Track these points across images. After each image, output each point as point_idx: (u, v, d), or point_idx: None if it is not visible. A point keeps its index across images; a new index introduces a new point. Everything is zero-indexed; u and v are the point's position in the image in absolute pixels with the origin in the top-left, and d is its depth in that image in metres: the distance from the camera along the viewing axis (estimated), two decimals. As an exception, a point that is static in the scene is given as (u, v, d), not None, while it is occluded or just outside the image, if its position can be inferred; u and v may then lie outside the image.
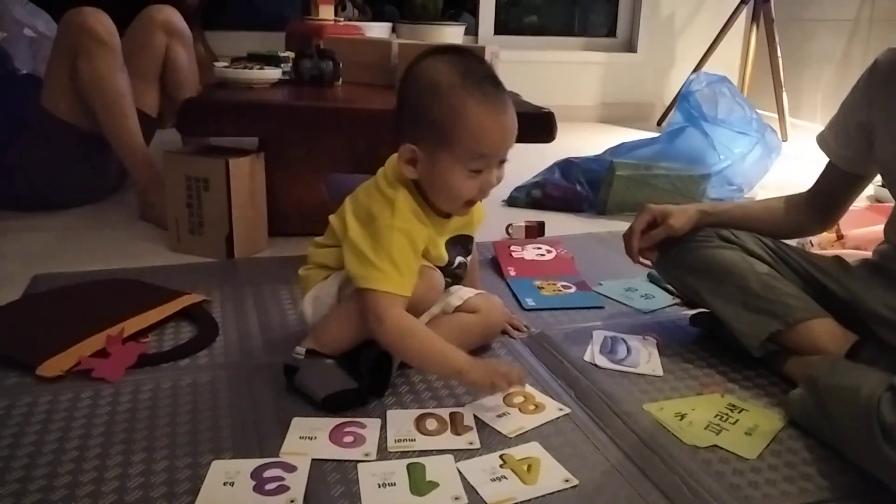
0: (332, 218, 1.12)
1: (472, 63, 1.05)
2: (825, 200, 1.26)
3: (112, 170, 2.04)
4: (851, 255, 1.44)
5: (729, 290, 1.18)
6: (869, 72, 1.14)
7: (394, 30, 3.47)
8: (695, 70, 3.37)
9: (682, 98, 2.38)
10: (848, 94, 1.19)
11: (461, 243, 1.16)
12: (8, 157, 1.88)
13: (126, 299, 1.31)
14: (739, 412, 1.05)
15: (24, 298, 1.36)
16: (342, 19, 3.04)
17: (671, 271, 1.30)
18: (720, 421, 1.03)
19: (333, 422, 0.98)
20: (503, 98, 1.04)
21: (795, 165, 2.76)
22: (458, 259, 1.15)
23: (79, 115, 1.86)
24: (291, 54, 2.08)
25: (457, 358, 1.01)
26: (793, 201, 1.28)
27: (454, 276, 1.17)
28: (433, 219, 1.09)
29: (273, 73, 1.90)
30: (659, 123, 3.64)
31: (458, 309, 1.17)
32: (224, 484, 0.85)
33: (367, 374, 1.04)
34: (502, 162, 1.07)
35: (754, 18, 3.43)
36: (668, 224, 1.23)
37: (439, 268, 1.11)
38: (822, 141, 1.24)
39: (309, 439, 0.95)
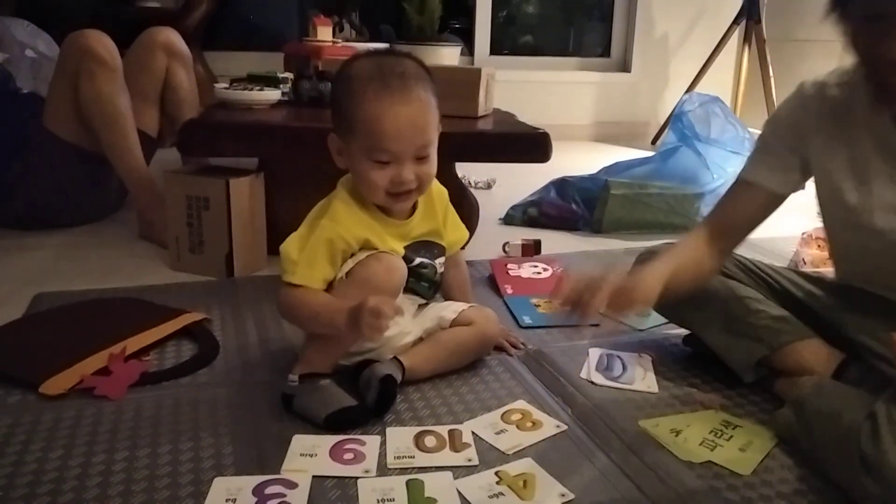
0: None
1: (390, 60, 1.08)
2: (732, 232, 1.18)
3: (112, 189, 2.06)
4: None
5: (713, 317, 1.19)
6: (799, 104, 1.13)
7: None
8: (688, 90, 3.41)
9: (676, 118, 2.41)
10: (772, 124, 1.18)
11: (425, 247, 1.18)
12: (9, 175, 1.90)
13: (127, 318, 1.32)
14: (734, 428, 1.07)
15: (26, 317, 1.37)
16: (340, 40, 3.07)
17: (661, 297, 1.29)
18: (715, 437, 1.04)
19: (333, 439, 0.99)
20: (408, 90, 1.04)
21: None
22: (420, 259, 1.16)
23: (80, 135, 1.88)
24: (290, 75, 2.11)
25: (333, 315, 1.02)
26: (699, 241, 1.17)
27: (420, 276, 1.17)
28: (378, 216, 1.12)
29: (272, 95, 1.93)
30: (653, 142, 3.68)
31: (453, 322, 1.19)
32: (226, 501, 0.87)
33: (372, 397, 1.06)
34: (421, 159, 1.07)
35: (746, 39, 3.49)
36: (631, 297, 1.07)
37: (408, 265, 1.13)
38: (749, 173, 1.18)
39: (309, 456, 0.96)
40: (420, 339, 1.19)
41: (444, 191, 1.25)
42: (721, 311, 1.18)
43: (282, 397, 1.07)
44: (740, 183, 1.19)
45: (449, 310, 1.21)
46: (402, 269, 1.11)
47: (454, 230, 1.27)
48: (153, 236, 1.84)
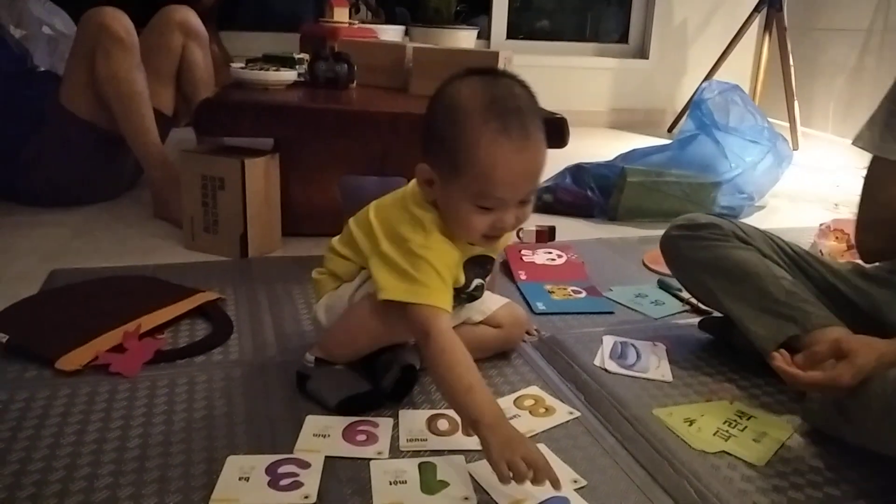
0: (352, 224, 1.08)
1: (503, 90, 0.95)
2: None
3: (128, 167, 2.06)
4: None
5: (746, 292, 1.17)
6: None
7: (406, 33, 3.48)
8: (706, 77, 3.38)
9: (694, 106, 2.38)
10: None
11: (479, 264, 1.09)
12: (26, 153, 1.91)
13: (142, 296, 1.33)
14: (748, 419, 1.06)
15: (42, 293, 1.38)
16: (356, 21, 3.05)
17: (684, 267, 1.27)
18: (729, 427, 1.04)
19: (347, 420, 1.00)
20: (528, 135, 0.93)
21: (806, 174, 2.77)
22: (476, 282, 1.10)
23: (97, 113, 1.89)
24: (306, 56, 2.10)
25: (482, 404, 0.89)
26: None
27: (471, 297, 1.13)
28: (457, 242, 1.01)
29: (289, 75, 1.93)
30: (670, 130, 3.65)
31: (482, 323, 1.18)
32: (239, 479, 0.87)
33: (390, 381, 1.05)
34: (524, 202, 0.98)
35: (767, 27, 3.44)
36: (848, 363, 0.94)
37: (455, 290, 1.03)
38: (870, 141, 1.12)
39: (322, 437, 0.96)
40: None
41: None
42: (756, 288, 1.15)
43: (297, 376, 1.08)
44: (884, 165, 1.11)
45: (477, 311, 1.17)
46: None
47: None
48: (168, 215, 1.85)
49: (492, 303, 1.19)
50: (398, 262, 0.97)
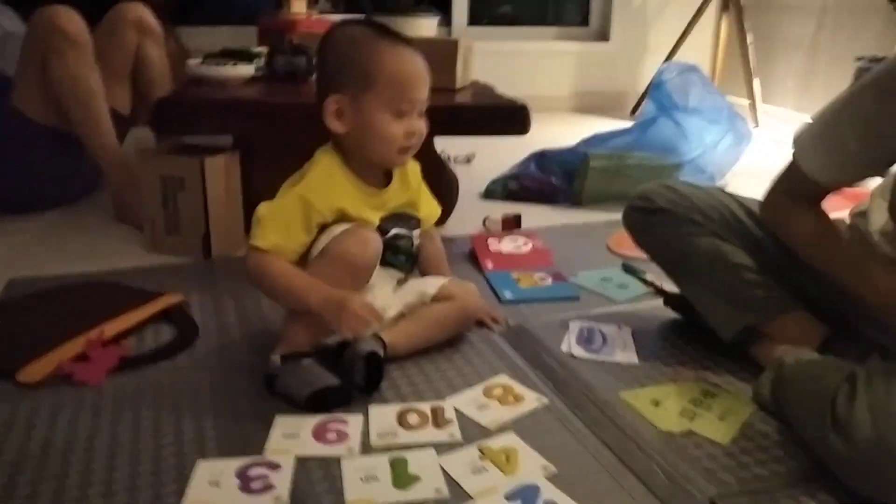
0: None
1: (381, 26, 1.15)
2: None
3: (87, 170, 2.02)
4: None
5: (701, 281, 1.19)
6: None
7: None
8: (667, 59, 3.40)
9: (654, 88, 2.40)
10: (855, 119, 0.99)
11: (402, 219, 1.19)
12: (-23, 159, 1.86)
13: (104, 302, 1.31)
14: (712, 398, 1.08)
15: (1, 303, 1.35)
16: (315, 13, 3.02)
17: (644, 249, 1.28)
18: (694, 406, 1.06)
19: (316, 419, 0.99)
20: (412, 47, 1.13)
21: (768, 151, 2.80)
22: (396, 230, 1.17)
23: (51, 115, 1.84)
24: (265, 50, 2.07)
25: (308, 296, 1.03)
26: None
27: (397, 248, 1.18)
28: (356, 183, 1.14)
29: (246, 70, 1.90)
30: (632, 113, 3.67)
31: (434, 297, 1.20)
32: (210, 484, 0.87)
33: (360, 376, 1.06)
34: (421, 114, 1.13)
35: (724, 6, 3.47)
36: None
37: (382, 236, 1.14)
38: (825, 171, 1.04)
39: (292, 437, 0.96)
40: (402, 315, 1.19)
41: (418, 165, 1.26)
42: (710, 276, 1.17)
43: (264, 379, 1.07)
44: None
45: (429, 284, 1.22)
46: (377, 241, 1.10)
47: (427, 205, 1.28)
48: (129, 218, 1.82)
49: (439, 280, 1.24)
50: (260, 208, 1.09)
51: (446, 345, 1.21)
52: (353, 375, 1.06)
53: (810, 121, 1.06)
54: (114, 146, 1.86)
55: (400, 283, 1.22)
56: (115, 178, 1.86)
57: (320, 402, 1.02)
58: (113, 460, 0.91)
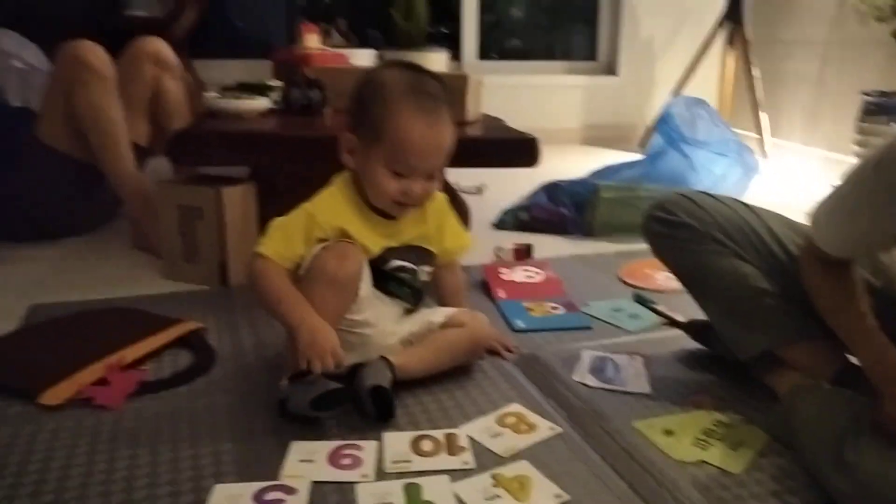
0: None
1: (422, 78, 1.14)
2: None
3: (106, 199, 2.06)
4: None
5: (719, 302, 1.18)
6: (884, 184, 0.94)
7: (379, 57, 3.51)
8: (674, 92, 3.45)
9: (662, 121, 2.44)
10: (864, 198, 0.97)
11: (413, 252, 1.21)
12: (1, 188, 1.90)
13: (124, 328, 1.33)
14: (726, 427, 1.08)
15: (23, 329, 1.38)
16: (328, 47, 3.08)
17: (667, 260, 1.26)
18: (707, 437, 1.06)
19: (331, 445, 1.01)
20: (438, 114, 1.12)
21: (776, 183, 2.83)
22: (399, 262, 1.18)
23: (74, 146, 1.89)
24: (279, 83, 2.12)
25: (292, 313, 1.06)
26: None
27: (401, 280, 1.19)
28: (365, 212, 1.17)
29: (262, 103, 1.94)
30: (641, 145, 3.71)
31: (443, 325, 1.21)
32: (227, 507, 0.88)
33: (371, 411, 1.06)
34: (431, 177, 1.14)
35: (730, 41, 3.52)
36: None
37: (377, 266, 1.16)
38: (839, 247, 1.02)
39: (308, 462, 0.97)
40: (409, 343, 1.19)
41: (443, 197, 1.27)
42: (727, 298, 1.16)
43: (278, 405, 1.08)
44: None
45: (437, 314, 1.23)
46: (356, 257, 1.12)
47: (454, 237, 1.28)
48: (147, 246, 1.85)
49: (449, 309, 1.26)
50: (272, 221, 1.15)
51: (460, 373, 1.22)
52: (364, 407, 1.07)
53: (825, 198, 1.05)
54: (134, 175, 1.91)
55: (409, 312, 1.23)
56: (134, 207, 1.89)
57: (323, 403, 1.03)
58: (131, 483, 0.92)
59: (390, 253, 1.18)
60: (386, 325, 1.18)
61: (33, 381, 1.13)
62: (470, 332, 1.22)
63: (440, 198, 1.26)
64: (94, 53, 1.84)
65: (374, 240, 1.16)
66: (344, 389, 1.05)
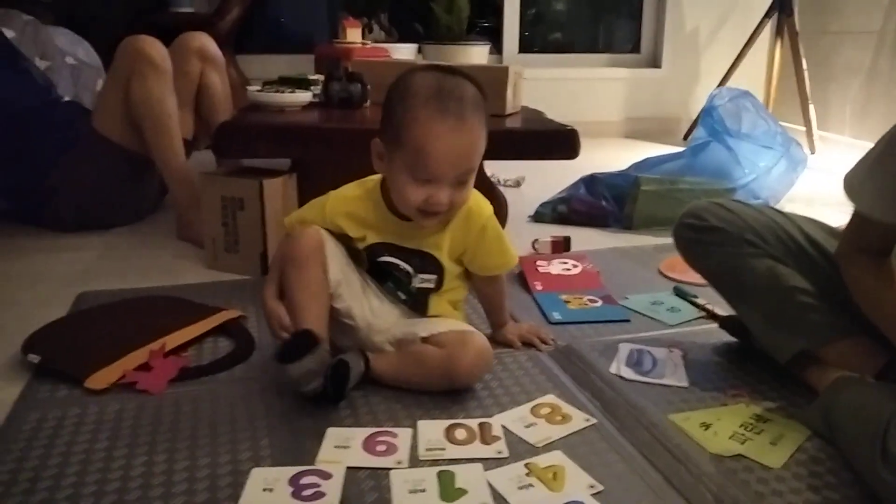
0: None
1: (451, 82, 1.06)
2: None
3: (152, 190, 2.12)
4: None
5: (755, 304, 1.17)
6: None
7: (419, 50, 3.53)
8: (719, 84, 3.38)
9: (706, 113, 2.40)
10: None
11: (417, 256, 1.17)
12: (51, 179, 1.96)
13: (167, 315, 1.36)
14: (764, 422, 1.07)
15: (71, 315, 1.42)
16: (369, 42, 3.10)
17: (700, 266, 1.25)
18: (745, 431, 1.04)
19: (367, 431, 1.02)
20: (464, 120, 1.04)
21: (823, 178, 2.76)
22: (391, 259, 1.17)
23: (128, 136, 1.95)
24: (321, 77, 2.14)
25: (267, 288, 1.18)
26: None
27: (390, 276, 1.19)
28: (387, 215, 1.16)
29: (303, 97, 1.97)
30: (685, 138, 3.65)
31: (424, 340, 1.13)
32: (263, 490, 0.89)
33: (329, 382, 1.05)
34: (461, 184, 1.08)
35: (778, 32, 3.44)
36: None
37: (372, 259, 1.19)
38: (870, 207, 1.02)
39: (343, 448, 0.98)
40: (394, 347, 1.17)
41: (487, 209, 1.19)
42: (764, 301, 1.15)
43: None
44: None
45: (423, 327, 1.15)
46: (315, 236, 1.14)
47: (490, 255, 1.21)
48: (191, 236, 1.89)
49: (444, 326, 1.16)
50: None
51: (494, 363, 1.22)
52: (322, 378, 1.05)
53: (857, 164, 1.05)
54: (185, 166, 1.96)
55: (410, 316, 1.21)
56: (182, 197, 1.94)
57: (287, 352, 1.04)
58: (171, 465, 0.95)
59: (384, 247, 1.17)
60: (377, 323, 1.17)
61: (80, 366, 1.16)
62: (447, 356, 1.10)
63: (483, 210, 1.18)
64: (154, 47, 1.90)
65: (369, 234, 1.16)
66: (305, 334, 1.06)
